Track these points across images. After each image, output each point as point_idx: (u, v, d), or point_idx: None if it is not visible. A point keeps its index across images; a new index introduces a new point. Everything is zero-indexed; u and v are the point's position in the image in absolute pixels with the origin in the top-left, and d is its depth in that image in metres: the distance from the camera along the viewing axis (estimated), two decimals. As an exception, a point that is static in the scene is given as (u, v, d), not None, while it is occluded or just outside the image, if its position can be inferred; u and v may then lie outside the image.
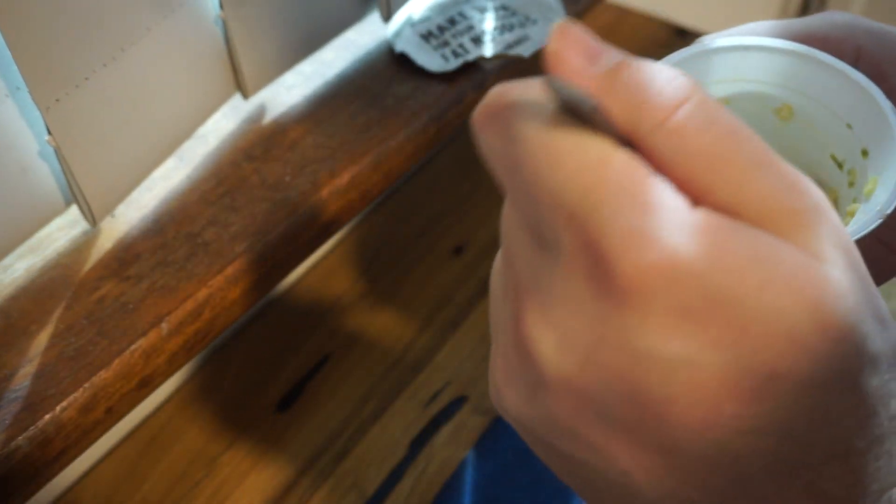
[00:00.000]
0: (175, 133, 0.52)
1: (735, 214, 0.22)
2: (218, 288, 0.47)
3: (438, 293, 0.65)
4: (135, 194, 0.51)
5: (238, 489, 0.54)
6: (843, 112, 0.34)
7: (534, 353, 0.23)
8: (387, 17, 0.61)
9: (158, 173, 0.52)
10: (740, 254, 0.21)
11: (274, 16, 0.53)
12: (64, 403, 0.41)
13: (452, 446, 0.56)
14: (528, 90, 0.23)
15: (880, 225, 0.30)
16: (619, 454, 0.23)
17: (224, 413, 0.58)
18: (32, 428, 0.40)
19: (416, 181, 0.72)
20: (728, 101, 0.36)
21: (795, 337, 0.21)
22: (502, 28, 0.61)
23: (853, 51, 0.35)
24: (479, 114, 0.24)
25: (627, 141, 0.23)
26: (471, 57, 0.59)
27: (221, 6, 0.50)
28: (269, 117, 0.56)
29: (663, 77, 0.22)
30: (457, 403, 0.59)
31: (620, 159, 0.22)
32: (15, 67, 0.40)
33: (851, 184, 0.35)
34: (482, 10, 0.63)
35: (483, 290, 0.65)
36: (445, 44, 0.60)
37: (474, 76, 0.60)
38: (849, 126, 0.34)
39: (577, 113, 0.22)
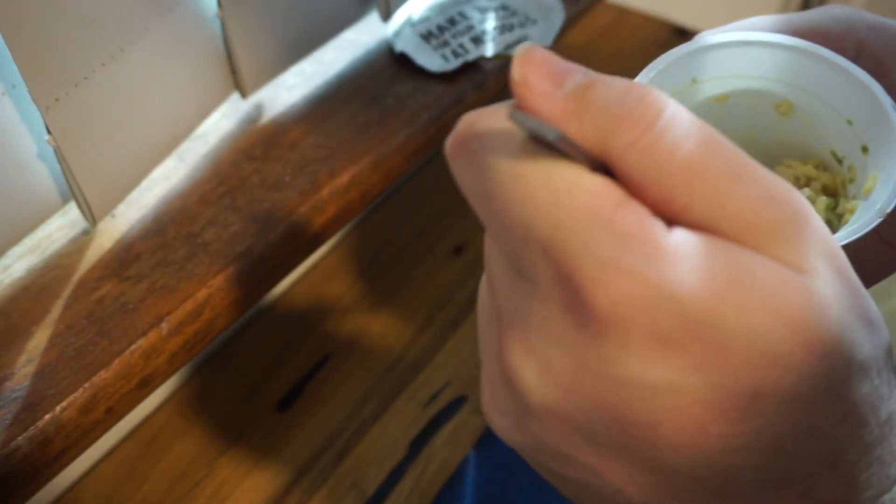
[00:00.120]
0: (174, 132, 0.52)
1: (714, 231, 0.21)
2: (218, 288, 0.47)
3: (438, 293, 0.65)
4: (135, 194, 0.51)
5: (238, 489, 0.54)
6: (843, 108, 0.34)
7: (517, 382, 0.23)
8: (385, 16, 0.61)
9: (158, 173, 0.52)
10: (717, 276, 0.21)
11: (272, 15, 0.53)
12: (64, 403, 0.41)
13: (452, 446, 0.56)
14: (497, 118, 0.23)
15: (881, 222, 0.30)
16: (611, 474, 0.23)
17: (224, 413, 0.58)
18: (32, 428, 0.40)
19: (416, 181, 0.72)
20: (727, 97, 0.36)
21: (778, 356, 0.20)
22: (502, 28, 0.61)
23: (855, 45, 0.35)
24: (450, 144, 0.24)
25: (601, 163, 0.22)
26: (471, 57, 0.59)
27: (220, 5, 0.50)
28: (270, 117, 0.56)
29: (632, 95, 0.22)
30: (457, 403, 0.59)
31: (589, 187, 0.21)
32: (11, 66, 0.40)
33: (851, 180, 0.35)
34: (482, 10, 0.63)
35: (483, 290, 0.64)
36: (445, 44, 0.60)
37: (474, 76, 0.60)
38: (849, 122, 0.34)
39: (544, 141, 0.22)
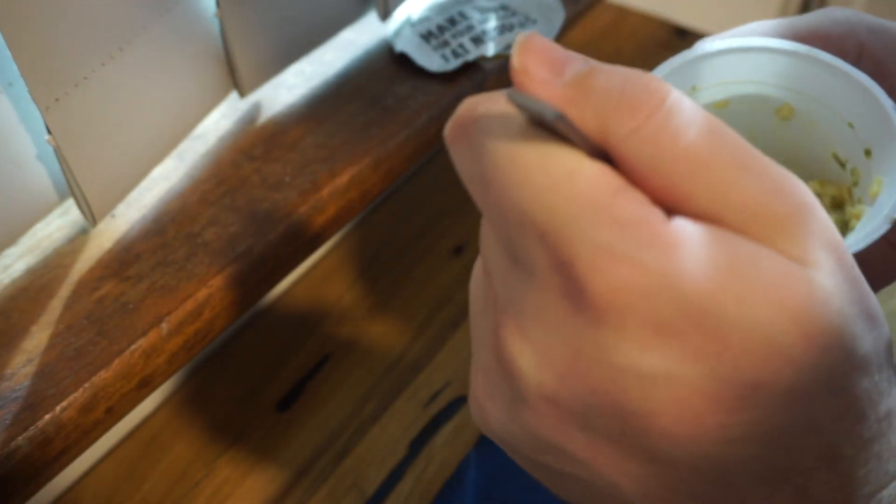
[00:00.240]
0: (173, 131, 0.52)
1: (717, 221, 0.21)
2: (218, 288, 0.47)
3: (438, 293, 0.65)
4: (134, 194, 0.51)
5: (238, 489, 0.54)
6: (844, 111, 0.34)
7: (513, 369, 0.23)
8: (384, 16, 0.61)
9: (158, 173, 0.52)
10: (718, 265, 0.20)
11: (271, 15, 0.53)
12: (64, 403, 0.41)
13: (452, 446, 0.56)
14: (497, 103, 0.23)
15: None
16: (605, 465, 0.23)
17: (224, 413, 0.58)
18: (32, 428, 0.40)
19: (416, 181, 0.72)
20: (727, 103, 0.36)
21: (778, 347, 0.20)
22: (502, 28, 0.61)
23: (855, 47, 0.35)
24: (449, 128, 0.24)
25: (601, 150, 0.22)
26: (471, 57, 0.59)
27: (218, 4, 0.50)
28: (270, 117, 0.56)
29: (634, 82, 0.22)
30: (457, 403, 0.59)
31: (589, 173, 0.21)
32: (7, 64, 0.40)
33: (855, 183, 0.35)
34: (482, 10, 0.63)
35: (483, 290, 0.64)
36: (445, 44, 0.60)
37: (474, 76, 0.60)
38: (850, 125, 0.34)
39: (544, 125, 0.22)
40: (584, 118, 0.22)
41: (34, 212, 0.47)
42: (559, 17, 0.63)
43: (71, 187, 0.46)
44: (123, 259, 0.48)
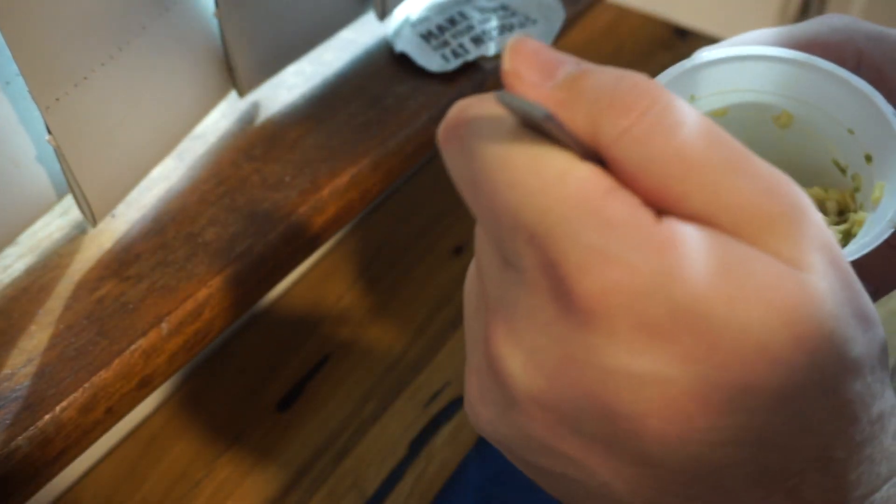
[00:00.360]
0: (173, 131, 0.52)
1: (709, 222, 0.21)
2: (218, 288, 0.47)
3: (438, 293, 0.65)
4: (134, 194, 0.51)
5: (238, 489, 0.54)
6: (843, 117, 0.34)
7: (503, 372, 0.23)
8: (382, 15, 0.61)
9: (158, 173, 0.52)
10: (708, 267, 0.20)
11: (269, 14, 0.53)
12: (64, 403, 0.41)
13: (452, 446, 0.56)
14: (488, 105, 0.23)
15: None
16: (597, 467, 0.23)
17: (224, 413, 0.58)
18: (32, 428, 0.40)
19: (416, 181, 0.72)
20: (726, 112, 0.36)
21: (768, 350, 0.20)
22: (502, 28, 0.61)
23: (854, 55, 0.35)
24: (441, 130, 0.24)
25: (593, 152, 0.22)
26: (471, 57, 0.59)
27: (217, 4, 0.50)
28: (270, 117, 0.56)
29: (626, 83, 0.21)
30: (457, 403, 0.59)
31: (580, 174, 0.21)
32: (5, 63, 0.40)
33: (857, 189, 0.35)
34: (482, 10, 0.63)
35: (483, 290, 0.64)
36: (445, 44, 0.60)
37: (474, 76, 0.60)
38: (850, 131, 0.34)
39: (535, 127, 0.22)
40: (576, 119, 0.22)
41: (32, 210, 0.47)
42: (559, 17, 0.63)
43: (71, 187, 0.46)
44: (123, 259, 0.48)
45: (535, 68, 0.22)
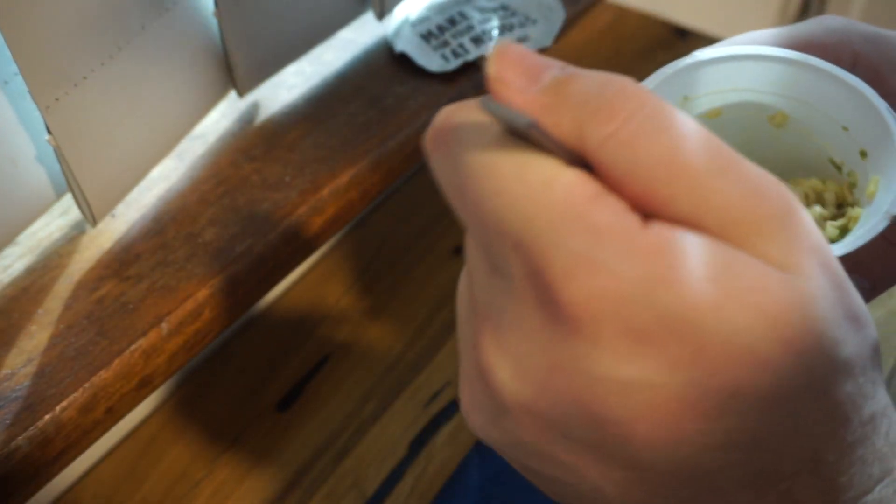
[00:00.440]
0: (173, 131, 0.52)
1: (697, 226, 0.21)
2: (218, 288, 0.47)
3: (438, 293, 0.65)
4: (134, 194, 0.51)
5: (238, 489, 0.54)
6: (838, 115, 0.34)
7: (492, 380, 0.23)
8: (380, 15, 0.61)
9: (158, 173, 0.52)
10: (694, 272, 0.20)
11: (268, 14, 0.53)
12: (64, 403, 0.41)
13: (452, 446, 0.56)
14: (474, 111, 0.23)
15: (887, 226, 0.30)
16: (588, 471, 0.23)
17: (224, 413, 0.58)
18: (32, 428, 0.40)
19: (416, 181, 0.72)
20: (720, 112, 0.36)
21: (756, 354, 0.20)
22: (502, 28, 0.61)
23: (850, 56, 0.35)
24: (427, 137, 0.24)
25: (579, 157, 0.21)
26: (471, 57, 0.59)
27: (216, 4, 0.50)
28: (269, 117, 0.56)
29: (611, 86, 0.21)
30: (457, 403, 0.59)
31: (565, 180, 0.21)
32: (3, 63, 0.40)
33: (853, 185, 0.35)
34: (482, 11, 0.63)
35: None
36: (445, 44, 0.60)
37: (474, 76, 0.60)
38: (845, 128, 0.34)
39: (520, 133, 0.21)
40: (561, 124, 0.21)
41: (32, 210, 0.47)
42: (559, 17, 0.63)
43: (71, 187, 0.46)
44: (123, 259, 0.48)
45: (521, 73, 0.22)
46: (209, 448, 0.56)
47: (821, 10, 1.32)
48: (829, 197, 0.36)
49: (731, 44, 0.35)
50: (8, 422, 0.40)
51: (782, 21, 1.28)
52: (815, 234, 0.22)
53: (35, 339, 0.44)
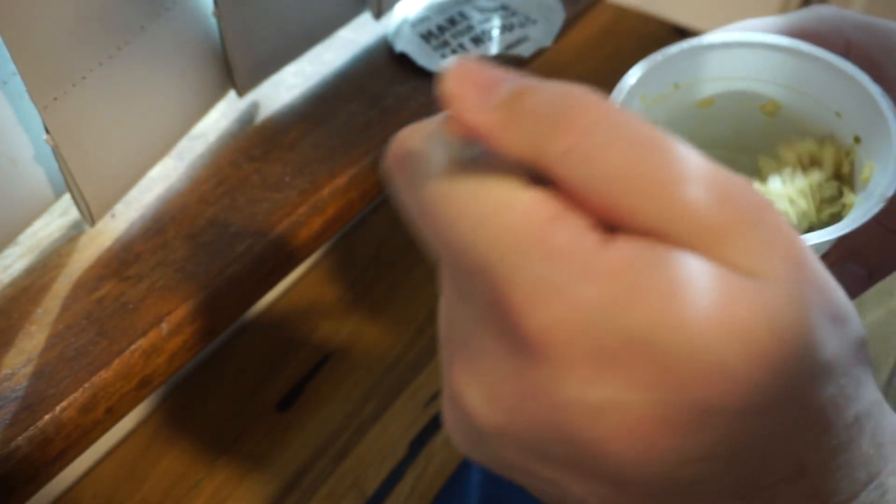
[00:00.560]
0: (172, 131, 0.52)
1: (663, 235, 0.20)
2: (218, 288, 0.47)
3: (438, 293, 0.65)
4: (134, 194, 0.51)
5: (238, 489, 0.54)
6: (831, 101, 0.34)
7: (464, 406, 0.23)
8: (378, 14, 0.61)
9: (158, 173, 0.52)
10: (656, 291, 0.20)
11: (268, 14, 0.53)
12: (64, 403, 0.41)
13: (452, 446, 0.56)
14: (427, 137, 0.22)
15: (885, 211, 0.30)
16: (571, 487, 0.22)
17: (224, 413, 0.58)
18: (32, 428, 0.40)
19: (416, 181, 0.72)
20: (712, 102, 0.36)
21: (725, 368, 0.19)
22: (502, 28, 0.61)
23: (842, 44, 0.35)
24: (386, 162, 0.23)
25: (539, 174, 0.21)
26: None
27: (216, 4, 0.50)
28: (269, 117, 0.56)
29: (567, 99, 0.21)
30: (457, 403, 0.59)
31: (519, 205, 0.20)
32: (2, 63, 0.40)
33: (849, 154, 0.34)
34: (482, 10, 0.63)
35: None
36: (445, 44, 0.60)
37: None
38: (838, 115, 0.34)
39: (475, 157, 0.21)
40: (518, 140, 0.21)
41: (31, 210, 0.47)
42: (559, 17, 0.63)
43: (69, 186, 0.46)
44: (123, 259, 0.48)
45: (475, 90, 0.22)
46: (209, 448, 0.56)
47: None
48: (827, 157, 0.35)
49: (723, 32, 0.35)
50: (8, 422, 0.40)
51: (782, 21, 1.28)
52: (787, 234, 0.21)
53: (35, 339, 0.44)
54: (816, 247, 0.31)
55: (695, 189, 0.20)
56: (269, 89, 0.58)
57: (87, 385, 0.42)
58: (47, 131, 0.42)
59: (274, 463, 0.56)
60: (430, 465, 0.56)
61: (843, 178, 0.35)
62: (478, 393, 0.22)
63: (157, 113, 0.50)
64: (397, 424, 0.58)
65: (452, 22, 0.62)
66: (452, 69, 0.22)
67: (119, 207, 0.50)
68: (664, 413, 0.20)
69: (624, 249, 0.20)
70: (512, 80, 0.22)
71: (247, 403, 0.59)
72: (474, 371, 0.22)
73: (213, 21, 0.51)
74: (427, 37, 0.61)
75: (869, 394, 0.23)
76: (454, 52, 0.60)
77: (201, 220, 0.50)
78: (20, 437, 0.39)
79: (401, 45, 0.60)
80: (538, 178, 0.21)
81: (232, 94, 0.56)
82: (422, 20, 0.62)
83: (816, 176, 0.34)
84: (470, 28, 0.61)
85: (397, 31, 0.62)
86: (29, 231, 0.48)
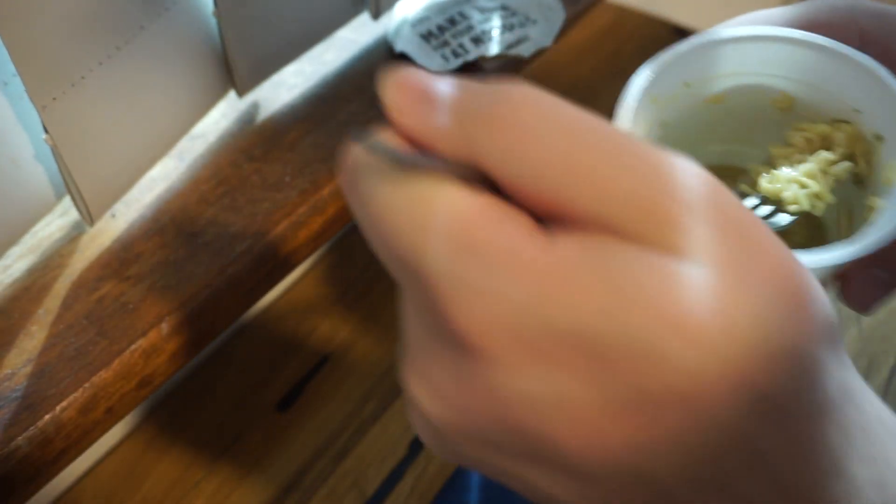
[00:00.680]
0: (171, 131, 0.52)
1: (601, 222, 0.20)
2: (218, 288, 0.47)
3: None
4: (134, 194, 0.51)
5: (238, 489, 0.54)
6: (848, 97, 0.33)
7: (417, 406, 0.23)
8: (376, 15, 0.61)
9: (158, 173, 0.52)
10: (587, 284, 0.19)
11: (268, 14, 0.53)
12: (64, 403, 0.41)
13: (452, 446, 0.56)
14: (372, 145, 0.23)
15: None
16: (536, 480, 0.22)
17: (224, 413, 0.58)
18: (32, 428, 0.40)
19: (416, 181, 0.72)
20: (722, 99, 0.35)
21: (661, 357, 0.19)
22: (502, 28, 0.61)
23: (857, 34, 0.33)
24: (339, 176, 0.24)
25: (476, 173, 0.21)
26: (471, 57, 0.59)
27: (216, 4, 0.50)
28: (269, 117, 0.56)
29: (499, 96, 0.21)
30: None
31: (449, 205, 0.20)
32: (3, 63, 0.40)
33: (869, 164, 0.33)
34: (482, 10, 0.63)
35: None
36: (445, 44, 0.60)
37: (474, 76, 0.60)
38: (856, 111, 0.33)
39: (412, 163, 0.22)
40: (455, 143, 0.21)
41: (34, 211, 0.47)
42: (559, 17, 0.63)
43: (68, 187, 0.46)
44: (123, 259, 0.48)
45: (412, 97, 0.22)
46: (209, 448, 0.56)
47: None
48: (840, 138, 0.33)
49: (732, 25, 0.34)
50: (8, 422, 0.40)
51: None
52: (736, 208, 0.21)
53: (35, 339, 0.44)
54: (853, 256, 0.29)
55: (631, 172, 0.20)
56: (269, 89, 0.58)
57: (87, 385, 0.42)
58: (46, 131, 0.42)
59: (274, 463, 0.56)
60: (430, 465, 0.56)
61: (857, 162, 0.33)
62: (426, 391, 0.23)
63: (157, 113, 0.50)
64: (397, 424, 0.58)
65: (452, 22, 0.62)
66: (390, 79, 0.22)
67: (119, 207, 0.50)
68: (609, 405, 0.20)
69: (560, 246, 0.20)
70: (445, 84, 0.22)
71: (247, 403, 0.59)
72: (423, 372, 0.23)
73: (213, 21, 0.51)
74: (427, 37, 0.61)
75: (838, 378, 0.21)
76: (454, 52, 0.60)
77: (201, 220, 0.50)
78: (20, 437, 0.39)
79: (401, 45, 0.60)
80: (476, 178, 0.21)
81: (232, 94, 0.56)
82: (422, 20, 0.62)
83: (827, 155, 0.33)
84: (470, 28, 0.61)
85: (397, 31, 0.62)
86: (29, 231, 0.48)
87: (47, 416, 0.40)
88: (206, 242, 0.49)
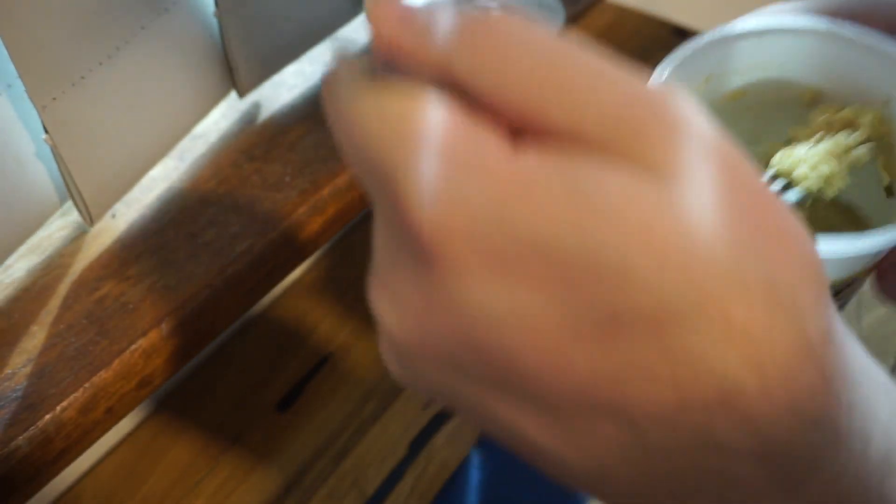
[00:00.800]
0: (171, 132, 0.52)
1: (576, 136, 0.19)
2: (218, 288, 0.47)
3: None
4: (135, 194, 0.51)
5: (238, 489, 0.54)
6: (879, 87, 0.31)
7: (383, 324, 0.22)
8: (377, 15, 0.61)
9: (158, 173, 0.52)
10: (554, 192, 0.19)
11: (268, 14, 0.53)
12: (64, 403, 0.41)
13: (452, 446, 0.56)
14: (353, 59, 0.23)
15: None
16: (503, 414, 0.21)
17: (224, 413, 0.58)
18: (32, 428, 0.40)
19: (416, 181, 0.72)
20: (744, 94, 0.34)
21: (628, 273, 0.18)
22: (502, 28, 0.61)
23: (883, 23, 0.32)
24: (322, 89, 0.24)
25: (457, 88, 0.21)
26: (471, 57, 0.59)
27: (217, 4, 0.50)
28: (270, 117, 0.56)
29: (481, 14, 0.21)
30: (457, 403, 0.59)
31: (419, 110, 0.20)
32: (6, 65, 0.40)
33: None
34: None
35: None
36: (445, 44, 0.60)
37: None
38: (886, 102, 0.31)
39: (388, 71, 0.22)
40: (432, 54, 0.21)
41: (37, 214, 0.47)
42: (559, 17, 0.63)
43: (68, 187, 0.46)
44: (124, 259, 0.48)
45: (395, 9, 0.22)
46: (209, 448, 0.56)
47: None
48: (864, 120, 0.32)
49: (753, 18, 0.33)
50: (8, 422, 0.40)
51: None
52: (712, 137, 0.20)
53: (35, 339, 0.44)
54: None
55: (609, 88, 0.20)
56: (269, 90, 0.58)
57: (87, 385, 0.42)
58: (46, 131, 0.42)
59: (274, 463, 0.56)
60: (430, 465, 0.56)
61: (883, 148, 0.32)
62: (391, 306, 0.22)
63: (158, 113, 0.50)
64: (397, 424, 0.58)
65: (452, 22, 0.62)
66: (373, 9, 0.22)
67: (119, 207, 0.50)
68: (569, 317, 0.19)
69: (529, 155, 0.20)
70: (425, 5, 0.22)
71: (247, 403, 0.59)
72: (387, 284, 0.22)
73: (213, 21, 0.51)
74: (427, 37, 0.61)
75: (819, 322, 0.20)
76: (454, 52, 0.60)
77: (201, 220, 0.50)
78: (20, 437, 0.39)
79: (401, 45, 0.60)
80: (464, 96, 0.21)
81: (233, 94, 0.56)
82: (422, 20, 0.62)
83: (845, 136, 0.32)
84: (470, 28, 0.61)
85: (397, 31, 0.62)
86: (35, 232, 0.48)
87: (47, 416, 0.40)
88: (206, 242, 0.49)
